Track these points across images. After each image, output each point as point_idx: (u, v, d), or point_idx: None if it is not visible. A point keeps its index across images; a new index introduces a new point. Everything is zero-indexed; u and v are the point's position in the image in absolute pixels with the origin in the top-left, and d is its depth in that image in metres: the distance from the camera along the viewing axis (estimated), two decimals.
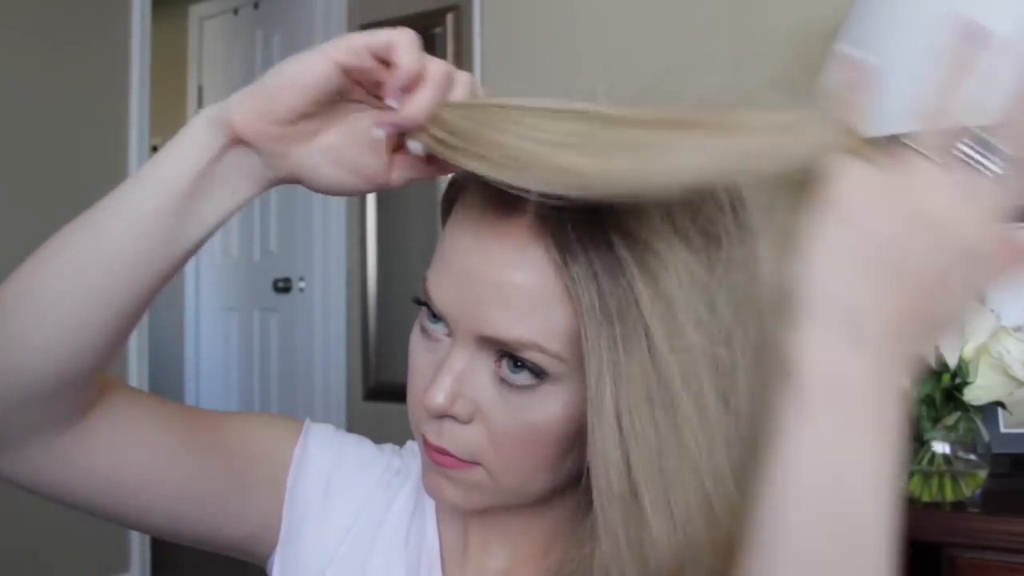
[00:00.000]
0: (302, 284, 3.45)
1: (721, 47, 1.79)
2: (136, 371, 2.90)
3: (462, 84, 0.48)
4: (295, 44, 3.42)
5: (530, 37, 2.06)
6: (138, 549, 2.86)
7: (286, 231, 3.50)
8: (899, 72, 1.35)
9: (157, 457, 0.57)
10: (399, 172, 0.51)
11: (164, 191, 0.48)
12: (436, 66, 0.47)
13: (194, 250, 0.51)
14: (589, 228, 0.47)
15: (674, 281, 0.47)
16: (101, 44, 2.82)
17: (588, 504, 0.51)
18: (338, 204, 3.27)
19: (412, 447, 0.67)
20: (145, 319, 2.94)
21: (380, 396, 3.06)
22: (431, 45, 2.99)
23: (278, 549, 0.62)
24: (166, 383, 3.74)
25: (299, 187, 0.52)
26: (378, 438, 0.72)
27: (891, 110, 1.33)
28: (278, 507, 0.62)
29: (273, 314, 3.59)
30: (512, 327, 0.49)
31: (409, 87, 0.47)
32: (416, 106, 0.47)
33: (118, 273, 0.49)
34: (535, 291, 0.48)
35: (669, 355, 0.47)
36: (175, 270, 0.51)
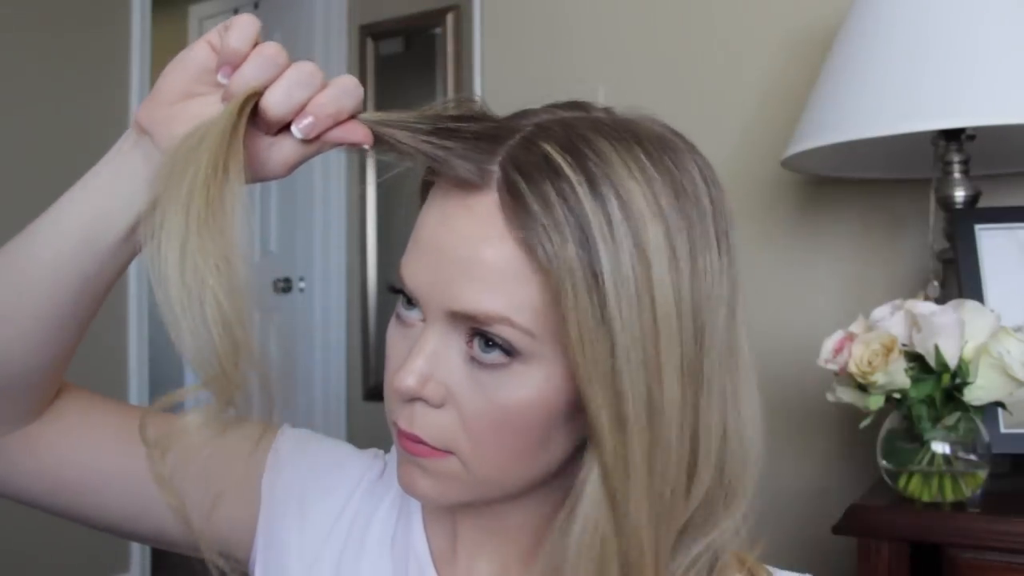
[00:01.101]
0: (302, 284, 3.45)
1: (720, 47, 1.79)
2: (136, 371, 2.90)
3: (305, 74, 0.49)
4: (295, 44, 3.42)
5: (530, 37, 2.06)
6: (138, 549, 2.86)
7: (286, 231, 3.50)
8: (897, 73, 1.35)
9: (107, 459, 0.59)
10: (278, 156, 0.51)
11: (87, 191, 0.53)
12: (267, 48, 0.49)
13: (116, 249, 0.53)
14: (555, 199, 0.47)
15: (645, 256, 0.47)
16: (101, 44, 2.82)
17: (565, 497, 0.51)
18: (338, 204, 3.26)
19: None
20: (145, 319, 2.94)
21: (380, 396, 3.05)
22: (431, 45, 2.99)
23: (258, 555, 0.62)
24: (166, 383, 3.73)
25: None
26: (378, 438, 0.71)
27: (888, 112, 1.33)
28: (250, 511, 0.62)
29: (273, 314, 3.59)
30: (481, 301, 0.48)
31: (235, 64, 0.49)
32: (235, 81, 0.48)
33: (41, 278, 0.52)
34: (503, 264, 0.48)
35: (638, 325, 0.47)
36: (104, 269, 0.53)
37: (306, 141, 0.50)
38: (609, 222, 0.46)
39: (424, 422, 0.51)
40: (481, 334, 0.49)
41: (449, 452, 0.51)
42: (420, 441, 0.51)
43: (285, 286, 3.50)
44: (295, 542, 0.62)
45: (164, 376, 3.69)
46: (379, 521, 0.62)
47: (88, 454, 0.59)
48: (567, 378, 0.49)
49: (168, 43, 3.87)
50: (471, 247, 0.49)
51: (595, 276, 0.46)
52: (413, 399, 0.51)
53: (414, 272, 0.51)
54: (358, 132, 0.50)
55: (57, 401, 0.59)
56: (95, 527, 0.62)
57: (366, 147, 0.51)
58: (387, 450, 0.67)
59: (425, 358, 0.50)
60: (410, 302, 0.53)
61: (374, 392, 3.12)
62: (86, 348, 0.59)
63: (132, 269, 2.89)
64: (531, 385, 0.49)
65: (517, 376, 0.49)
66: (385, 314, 3.10)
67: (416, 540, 0.61)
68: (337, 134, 0.50)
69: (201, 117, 0.49)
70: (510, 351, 0.49)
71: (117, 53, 2.87)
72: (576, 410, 0.49)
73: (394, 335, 0.54)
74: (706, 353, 0.49)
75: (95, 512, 0.60)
